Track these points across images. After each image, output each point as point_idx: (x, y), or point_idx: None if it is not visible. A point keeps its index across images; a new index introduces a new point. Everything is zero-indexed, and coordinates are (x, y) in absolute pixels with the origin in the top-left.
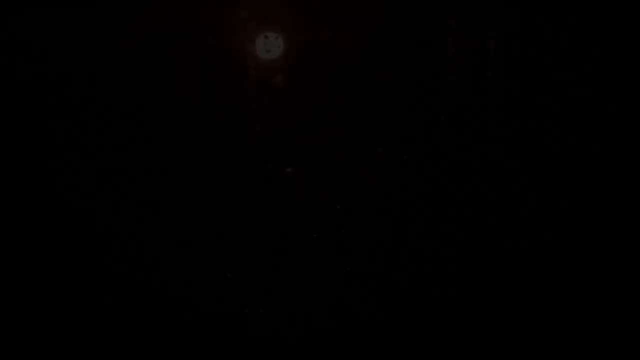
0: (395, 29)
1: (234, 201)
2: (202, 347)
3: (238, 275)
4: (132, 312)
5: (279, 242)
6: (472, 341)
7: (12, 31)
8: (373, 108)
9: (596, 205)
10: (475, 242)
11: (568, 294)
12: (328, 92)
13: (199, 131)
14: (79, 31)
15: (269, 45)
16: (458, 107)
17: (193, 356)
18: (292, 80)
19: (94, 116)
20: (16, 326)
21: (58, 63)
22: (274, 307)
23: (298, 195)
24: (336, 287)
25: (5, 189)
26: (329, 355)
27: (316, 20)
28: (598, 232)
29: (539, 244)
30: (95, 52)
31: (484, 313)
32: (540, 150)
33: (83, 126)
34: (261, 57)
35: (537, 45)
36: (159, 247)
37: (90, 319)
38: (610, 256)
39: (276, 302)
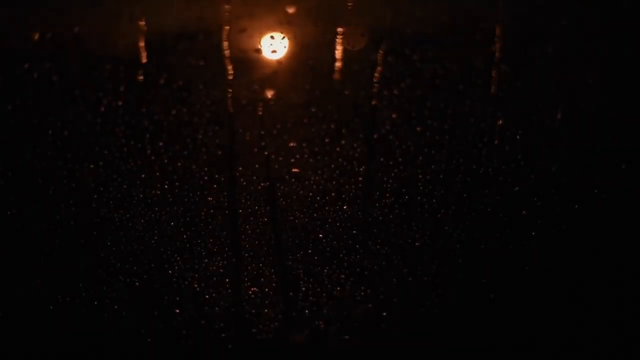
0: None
1: (237, 202)
2: (203, 348)
3: (240, 276)
4: (134, 312)
5: (282, 243)
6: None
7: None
8: (378, 109)
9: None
10: (475, 244)
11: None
12: (332, 94)
13: (204, 131)
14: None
15: (275, 45)
16: (459, 110)
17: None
18: (298, 81)
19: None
20: (18, 325)
21: (56, 62)
22: (275, 308)
23: (303, 196)
24: (338, 287)
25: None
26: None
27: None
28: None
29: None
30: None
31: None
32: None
33: (82, 127)
34: (267, 57)
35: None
36: (159, 248)
37: (91, 320)
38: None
39: (278, 303)
